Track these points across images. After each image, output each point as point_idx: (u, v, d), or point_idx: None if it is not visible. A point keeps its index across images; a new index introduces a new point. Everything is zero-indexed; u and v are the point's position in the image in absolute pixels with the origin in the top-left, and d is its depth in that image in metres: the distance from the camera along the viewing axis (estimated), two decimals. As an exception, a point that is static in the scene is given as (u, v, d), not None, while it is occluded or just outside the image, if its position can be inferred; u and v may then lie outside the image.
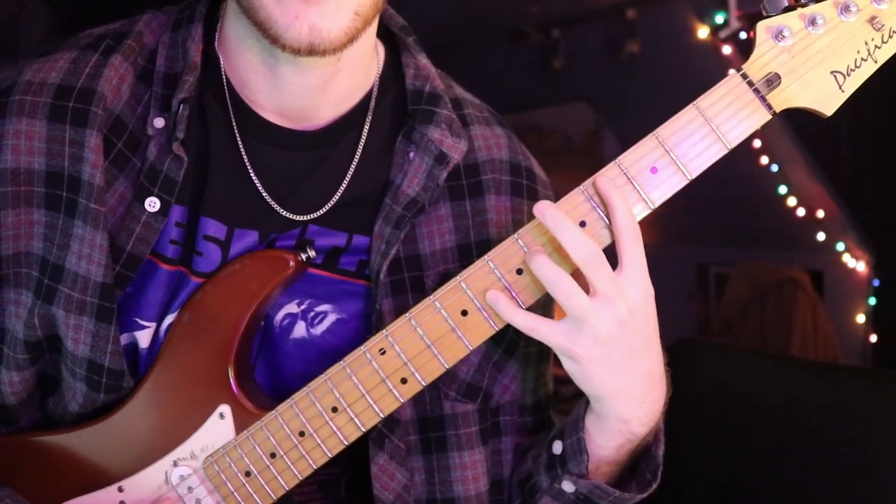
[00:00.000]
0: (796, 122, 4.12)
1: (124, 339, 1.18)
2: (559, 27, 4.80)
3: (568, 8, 4.55)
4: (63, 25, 4.27)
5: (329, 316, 1.23)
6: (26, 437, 1.22)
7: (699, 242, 5.29)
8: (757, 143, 4.37)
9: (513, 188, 1.27)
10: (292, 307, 1.23)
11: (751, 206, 4.72)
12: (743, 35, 4.03)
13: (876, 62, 1.06)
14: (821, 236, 4.49)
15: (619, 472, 1.18)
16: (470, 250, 1.22)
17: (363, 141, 1.21)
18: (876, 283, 4.34)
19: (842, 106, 1.09)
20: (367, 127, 1.22)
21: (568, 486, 1.15)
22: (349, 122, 1.21)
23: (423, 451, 1.24)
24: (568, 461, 1.16)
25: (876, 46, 1.06)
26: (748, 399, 1.81)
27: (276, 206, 1.19)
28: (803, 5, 1.06)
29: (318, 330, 1.24)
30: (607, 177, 1.07)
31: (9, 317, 1.19)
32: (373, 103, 1.22)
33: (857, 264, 4.41)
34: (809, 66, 1.06)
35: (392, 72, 1.26)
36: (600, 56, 4.75)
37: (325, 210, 1.20)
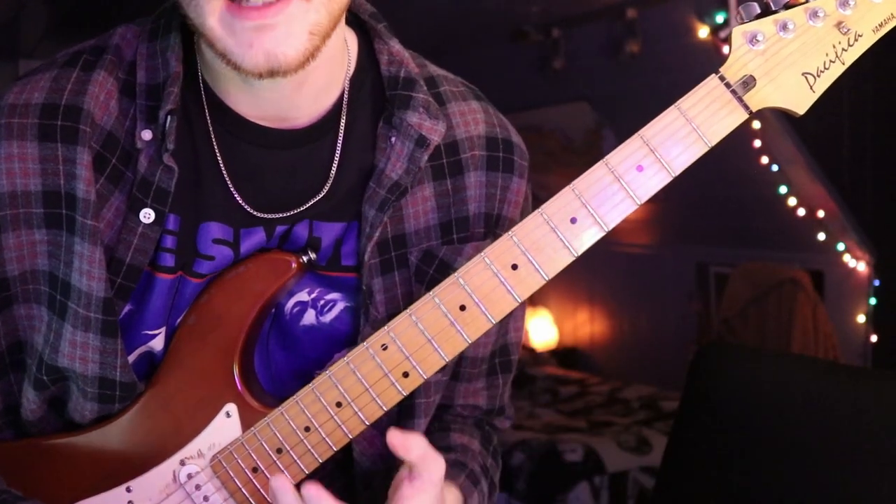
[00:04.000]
0: (796, 122, 4.12)
1: (139, 351, 1.21)
2: (559, 27, 4.80)
3: (568, 8, 4.54)
4: (62, 26, 4.28)
5: (338, 304, 1.27)
6: (35, 441, 1.24)
7: (699, 242, 5.30)
8: (757, 143, 4.37)
9: (489, 163, 1.29)
10: (303, 296, 1.26)
11: (751, 206, 4.72)
12: (743, 35, 4.02)
13: (843, 63, 1.13)
14: (821, 236, 4.49)
15: None
16: (450, 227, 1.26)
17: (342, 132, 1.23)
18: (876, 283, 4.34)
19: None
20: (343, 118, 1.23)
21: None
22: (332, 115, 1.23)
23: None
24: None
25: (843, 49, 1.13)
26: (775, 402, 1.81)
27: (270, 204, 1.21)
28: (775, 11, 1.13)
29: (328, 318, 1.27)
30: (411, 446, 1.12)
31: (24, 330, 1.20)
32: (346, 96, 1.24)
33: (858, 264, 4.41)
34: (782, 68, 1.13)
35: (366, 60, 1.27)
36: (600, 56, 4.75)
37: (317, 201, 1.22)
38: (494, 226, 1.30)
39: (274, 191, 1.21)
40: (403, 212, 1.24)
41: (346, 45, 1.25)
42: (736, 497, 1.81)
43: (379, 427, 1.24)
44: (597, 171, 1.13)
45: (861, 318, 4.39)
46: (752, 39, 1.13)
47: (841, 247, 4.45)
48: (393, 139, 1.23)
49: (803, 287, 4.38)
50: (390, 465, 1.27)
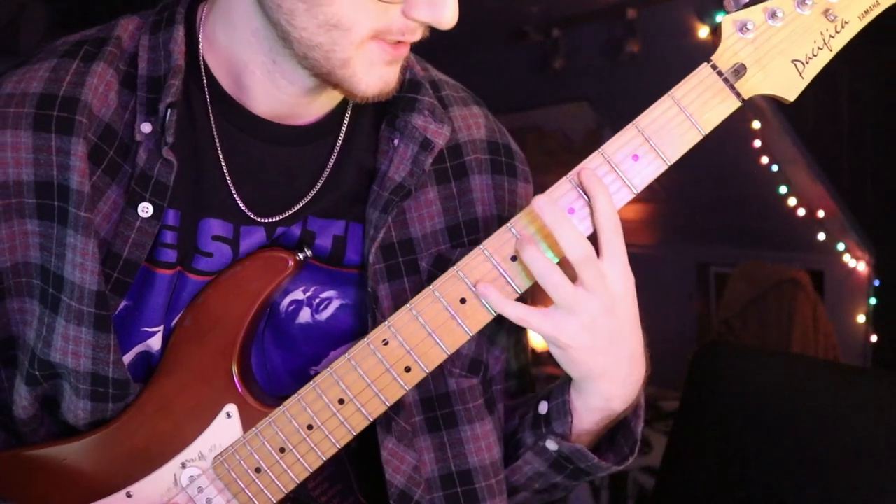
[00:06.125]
0: (797, 122, 4.12)
1: (137, 349, 1.19)
2: (559, 27, 4.80)
3: (568, 8, 4.55)
4: (62, 26, 4.28)
5: (334, 302, 1.26)
6: (33, 449, 1.22)
7: (699, 242, 5.30)
8: (757, 143, 4.36)
9: (493, 166, 1.31)
10: (298, 294, 1.25)
11: (751, 206, 4.72)
12: (743, 35, 4.02)
13: (831, 50, 1.15)
14: (821, 236, 4.49)
15: (596, 442, 1.26)
16: (459, 230, 1.27)
17: (343, 132, 1.24)
18: (876, 283, 4.34)
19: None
20: (347, 118, 1.24)
21: (551, 445, 1.23)
22: (337, 114, 1.24)
23: (429, 429, 1.27)
24: (552, 421, 1.24)
25: (830, 36, 1.14)
26: (775, 402, 1.81)
27: (272, 202, 1.20)
28: (763, 0, 1.15)
29: (323, 315, 1.26)
30: (590, 168, 1.13)
31: (16, 324, 1.19)
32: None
33: (858, 264, 4.41)
34: (772, 56, 1.15)
35: None
36: (600, 56, 4.75)
37: (312, 198, 1.22)
38: None
39: (274, 190, 1.21)
40: (408, 216, 1.24)
41: None
42: (736, 497, 1.81)
43: (405, 441, 1.23)
44: (592, 161, 1.14)
45: (861, 318, 4.39)
46: (742, 28, 1.15)
47: (841, 247, 4.45)
48: (396, 141, 1.23)
49: (803, 287, 4.38)
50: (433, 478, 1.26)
